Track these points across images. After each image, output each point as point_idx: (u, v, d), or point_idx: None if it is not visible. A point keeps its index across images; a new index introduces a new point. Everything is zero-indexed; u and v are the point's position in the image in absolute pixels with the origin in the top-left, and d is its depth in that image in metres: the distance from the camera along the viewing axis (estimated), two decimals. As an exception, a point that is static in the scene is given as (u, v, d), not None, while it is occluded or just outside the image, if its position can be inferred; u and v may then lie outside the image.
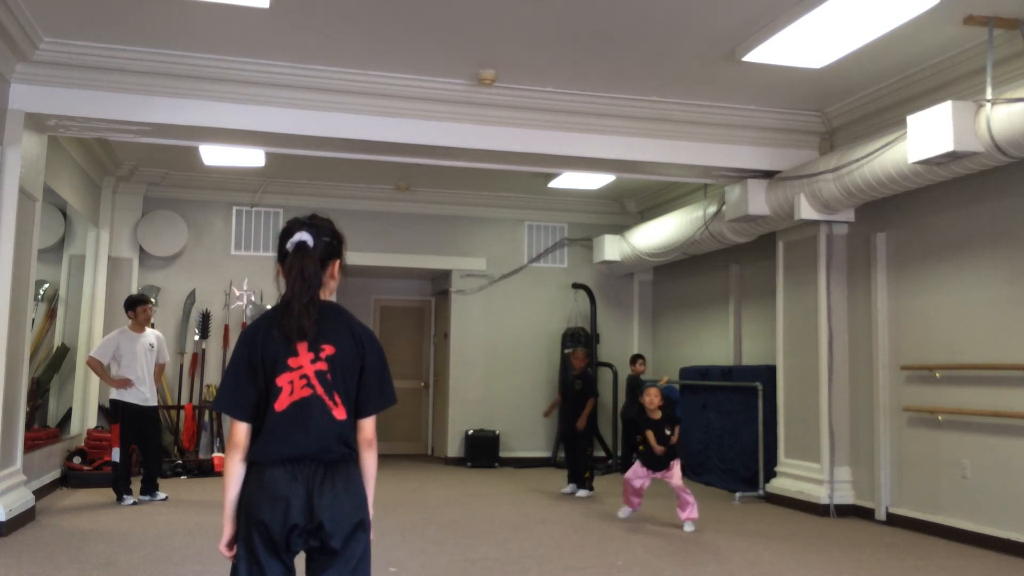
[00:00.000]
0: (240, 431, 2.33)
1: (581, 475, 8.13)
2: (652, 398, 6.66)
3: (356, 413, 2.38)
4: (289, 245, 2.39)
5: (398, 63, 6.33)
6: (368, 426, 2.40)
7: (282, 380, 2.31)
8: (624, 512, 6.73)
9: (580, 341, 10.35)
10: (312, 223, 2.47)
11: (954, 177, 5.85)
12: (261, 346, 2.34)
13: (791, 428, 7.56)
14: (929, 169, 5.75)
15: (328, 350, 2.34)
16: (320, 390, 2.32)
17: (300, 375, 2.31)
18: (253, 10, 5.36)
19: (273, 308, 2.42)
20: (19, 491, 6.05)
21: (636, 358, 9.91)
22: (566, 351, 10.41)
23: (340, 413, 2.33)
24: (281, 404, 2.30)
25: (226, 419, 9.56)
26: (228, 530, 2.35)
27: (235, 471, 2.33)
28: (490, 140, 6.87)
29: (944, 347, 6.27)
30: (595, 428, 8.42)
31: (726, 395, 8.65)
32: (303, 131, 6.57)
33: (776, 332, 7.85)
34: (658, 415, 6.59)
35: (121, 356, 7.20)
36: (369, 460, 2.40)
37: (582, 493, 8.01)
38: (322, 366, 2.33)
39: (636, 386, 9.84)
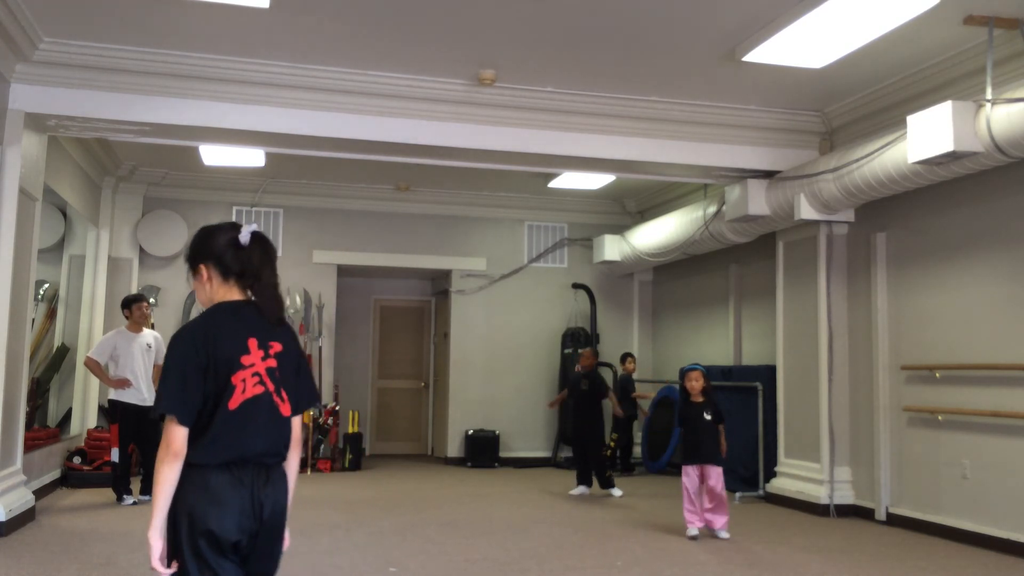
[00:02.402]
0: (183, 437, 2.23)
1: (602, 476, 8.09)
2: (694, 382, 6.15)
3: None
4: (243, 237, 2.39)
5: (398, 63, 6.33)
6: (297, 424, 2.46)
7: (236, 378, 2.30)
8: (692, 530, 5.99)
9: (580, 341, 10.34)
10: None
11: (954, 177, 5.85)
12: (215, 346, 2.30)
13: (791, 428, 7.56)
14: (929, 169, 5.75)
15: (276, 347, 2.38)
16: (271, 387, 2.35)
17: (252, 372, 2.32)
18: (253, 10, 5.36)
19: (223, 306, 2.39)
20: (19, 491, 6.05)
21: (626, 356, 9.91)
22: (566, 351, 10.42)
23: (286, 410, 2.38)
24: (235, 402, 2.29)
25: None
26: (160, 544, 2.23)
27: (175, 480, 2.23)
28: (490, 140, 6.87)
29: (944, 347, 6.27)
30: (601, 428, 8.33)
31: (726, 395, 8.62)
32: (303, 131, 6.57)
33: (776, 332, 7.85)
34: (701, 399, 6.15)
35: (118, 356, 7.20)
36: (294, 459, 2.45)
37: (616, 492, 7.98)
38: (272, 363, 2.36)
39: (627, 385, 9.83)
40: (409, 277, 11.70)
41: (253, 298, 2.42)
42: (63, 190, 7.58)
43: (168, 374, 2.28)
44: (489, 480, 9.11)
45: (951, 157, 5.43)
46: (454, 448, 10.51)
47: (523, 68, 6.38)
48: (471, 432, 10.36)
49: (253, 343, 2.34)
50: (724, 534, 5.97)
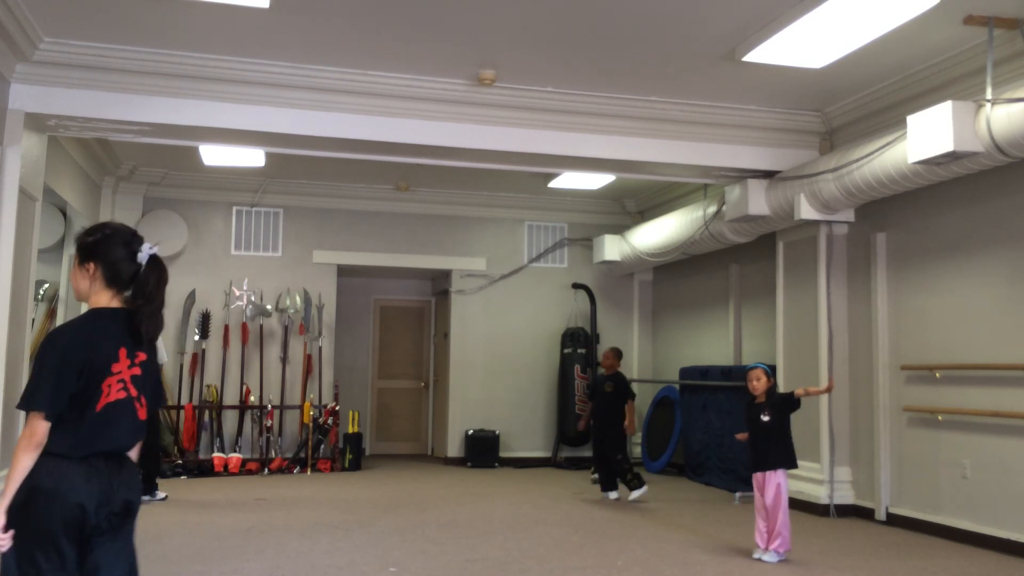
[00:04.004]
0: (46, 430, 2.40)
1: (624, 480, 7.83)
2: (755, 382, 5.58)
3: None
4: (142, 257, 2.56)
5: (398, 63, 6.33)
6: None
7: (105, 384, 2.48)
8: (756, 552, 5.47)
9: (580, 341, 10.34)
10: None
11: (954, 177, 5.85)
12: (93, 352, 2.46)
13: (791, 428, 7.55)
14: (929, 169, 5.75)
15: (141, 357, 2.58)
16: (133, 393, 2.54)
17: (118, 379, 2.50)
18: (253, 10, 5.36)
19: (104, 312, 2.54)
20: (19, 491, 6.04)
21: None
22: (566, 351, 10.42)
23: (143, 414, 2.59)
24: (100, 405, 2.46)
25: (227, 418, 9.57)
26: (4, 520, 2.39)
27: (30, 468, 2.39)
28: (490, 140, 6.87)
29: (944, 347, 6.27)
30: (622, 430, 8.06)
31: (726, 395, 8.64)
32: (303, 131, 6.57)
33: (776, 332, 7.84)
34: (762, 399, 5.60)
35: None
36: (134, 451, 2.66)
37: (636, 493, 7.69)
38: (137, 371, 2.55)
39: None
40: (409, 277, 11.70)
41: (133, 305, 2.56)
42: (63, 190, 7.58)
43: (43, 370, 2.41)
44: (489, 480, 9.11)
45: (951, 157, 5.43)
46: (454, 448, 10.51)
47: (523, 68, 6.38)
48: (471, 432, 10.36)
49: (123, 352, 2.52)
50: (768, 556, 5.33)
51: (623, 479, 7.89)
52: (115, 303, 2.56)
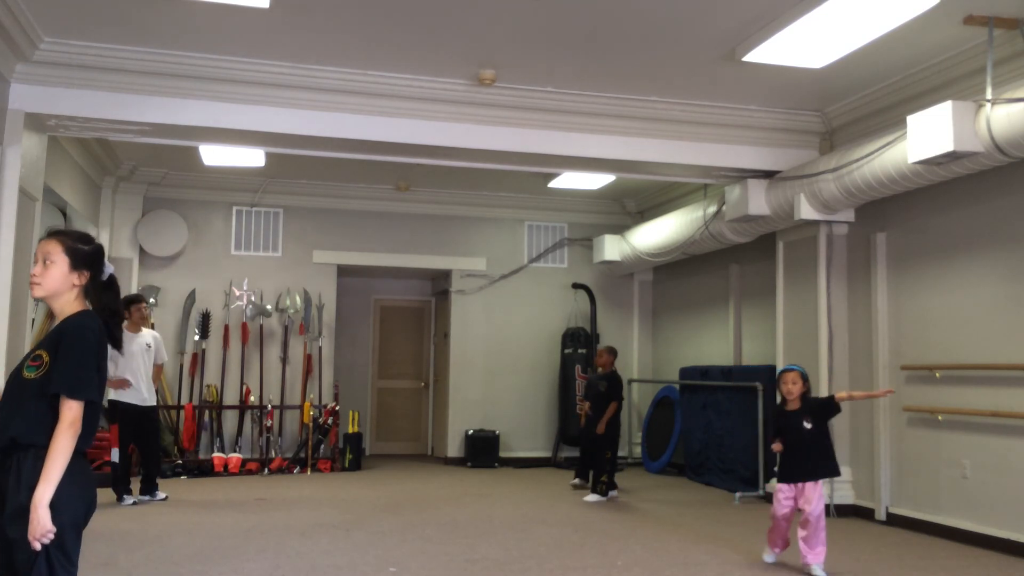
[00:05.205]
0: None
1: (596, 478, 7.85)
2: (791, 385, 5.18)
3: None
4: (107, 271, 2.71)
5: (398, 63, 6.33)
6: None
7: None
8: (768, 556, 5.33)
9: (580, 341, 10.34)
10: None
11: (954, 177, 5.85)
12: (106, 350, 2.61)
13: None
14: (929, 169, 5.75)
15: None
16: None
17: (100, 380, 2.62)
18: (253, 10, 5.36)
19: (98, 316, 2.65)
20: (19, 491, 6.04)
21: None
22: (566, 351, 10.42)
23: None
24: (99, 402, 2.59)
25: (227, 418, 9.57)
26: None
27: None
28: (490, 140, 6.87)
29: (944, 347, 6.27)
30: (616, 431, 8.05)
31: (726, 395, 8.65)
32: (303, 131, 6.58)
33: (776, 332, 7.84)
34: (797, 405, 5.21)
35: (118, 357, 7.15)
36: None
37: (591, 497, 7.70)
38: None
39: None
40: (409, 277, 11.70)
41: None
42: (63, 190, 7.58)
43: (86, 361, 2.46)
44: (489, 480, 9.11)
45: (951, 157, 5.43)
46: (454, 448, 10.51)
47: (523, 68, 6.38)
48: (471, 432, 10.36)
49: None
50: (819, 571, 4.97)
51: (596, 478, 7.87)
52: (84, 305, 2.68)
